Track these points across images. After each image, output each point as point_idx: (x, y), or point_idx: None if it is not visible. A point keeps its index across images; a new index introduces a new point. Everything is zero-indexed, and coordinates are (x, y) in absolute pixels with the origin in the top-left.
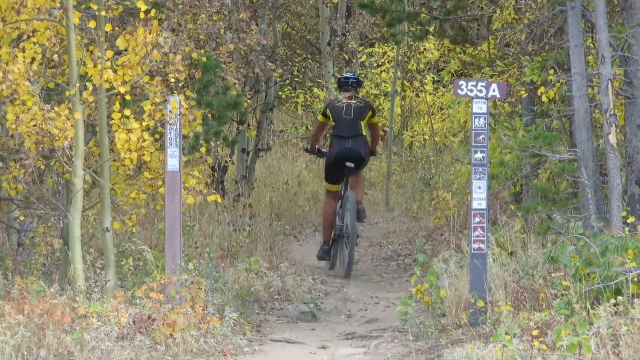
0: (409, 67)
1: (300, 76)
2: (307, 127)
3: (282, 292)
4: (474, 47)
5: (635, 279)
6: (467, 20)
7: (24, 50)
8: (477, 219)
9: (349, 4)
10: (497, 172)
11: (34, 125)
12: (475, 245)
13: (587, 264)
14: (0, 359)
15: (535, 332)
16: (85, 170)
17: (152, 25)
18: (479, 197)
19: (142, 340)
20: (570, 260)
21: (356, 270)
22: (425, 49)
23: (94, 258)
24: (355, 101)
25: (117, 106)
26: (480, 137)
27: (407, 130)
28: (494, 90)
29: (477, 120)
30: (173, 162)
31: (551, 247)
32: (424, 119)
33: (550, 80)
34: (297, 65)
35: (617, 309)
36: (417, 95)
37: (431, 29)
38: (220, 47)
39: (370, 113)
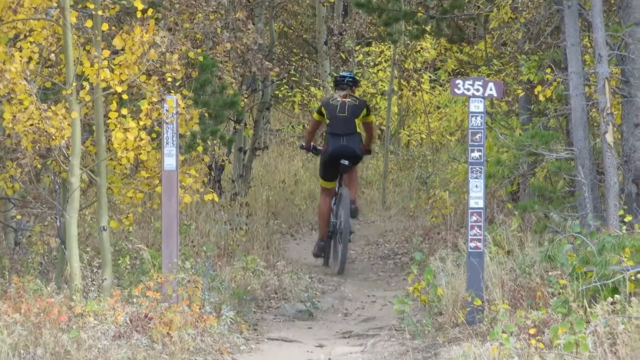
0: (406, 66)
1: (297, 75)
2: (303, 126)
3: (279, 290)
4: (470, 46)
5: (632, 278)
6: (463, 19)
7: (20, 49)
8: (474, 218)
9: (346, 3)
10: (494, 170)
11: (31, 125)
12: (472, 244)
13: (584, 263)
14: None
15: (532, 331)
16: (82, 169)
17: (148, 24)
18: (476, 196)
19: (139, 339)
20: (567, 258)
21: (353, 268)
22: (422, 48)
23: (91, 257)
24: (350, 99)
25: (114, 105)
26: (477, 136)
27: (404, 129)
28: (490, 89)
29: (474, 119)
30: (170, 161)
31: (548, 245)
32: (420, 117)
33: (547, 79)
34: (294, 64)
35: (614, 307)
36: (414, 94)
37: (428, 28)
38: (217, 46)
39: (365, 111)
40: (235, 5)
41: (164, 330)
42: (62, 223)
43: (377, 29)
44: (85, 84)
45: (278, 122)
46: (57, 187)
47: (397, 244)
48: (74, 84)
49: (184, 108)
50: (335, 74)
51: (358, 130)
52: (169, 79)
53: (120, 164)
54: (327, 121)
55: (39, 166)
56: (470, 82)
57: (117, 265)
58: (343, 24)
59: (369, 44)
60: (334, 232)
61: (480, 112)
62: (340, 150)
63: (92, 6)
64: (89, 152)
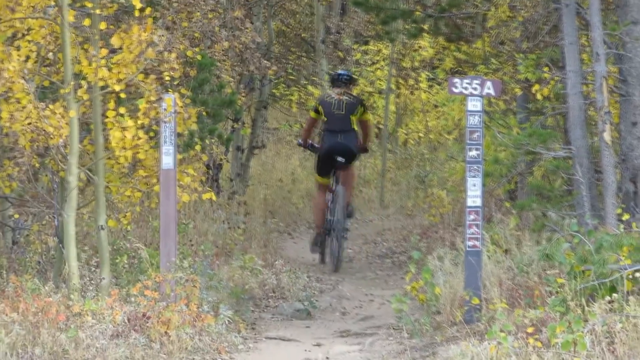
0: (404, 64)
1: (295, 74)
2: (301, 125)
3: (276, 289)
4: (468, 45)
5: (630, 277)
6: (461, 18)
7: (18, 48)
8: (471, 217)
9: (344, 2)
10: (491, 169)
11: (29, 124)
12: (469, 243)
13: (582, 262)
14: None
15: (530, 330)
16: (80, 168)
17: (146, 23)
18: (473, 195)
19: (137, 338)
20: (565, 257)
21: (351, 267)
22: (419, 47)
23: (89, 256)
24: (346, 97)
25: (111, 104)
26: (475, 135)
27: (401, 128)
28: (488, 88)
29: (471, 117)
30: (168, 160)
31: (546, 244)
32: (418, 116)
33: (545, 77)
34: (292, 63)
35: (612, 306)
36: (411, 92)
37: (426, 27)
38: (215, 45)
39: (361, 109)
40: (233, 4)
41: (162, 329)
42: (60, 222)
43: (374, 28)
44: (83, 82)
45: (276, 121)
46: (55, 186)
47: (395, 242)
48: (72, 82)
49: (181, 107)
50: (331, 72)
51: (354, 127)
52: (167, 78)
53: (118, 163)
54: (324, 118)
55: (36, 165)
56: (468, 80)
57: (115, 264)
58: (341, 23)
59: (366, 43)
60: (330, 230)
61: (478, 111)
62: (336, 147)
63: (90, 5)
64: (87, 151)
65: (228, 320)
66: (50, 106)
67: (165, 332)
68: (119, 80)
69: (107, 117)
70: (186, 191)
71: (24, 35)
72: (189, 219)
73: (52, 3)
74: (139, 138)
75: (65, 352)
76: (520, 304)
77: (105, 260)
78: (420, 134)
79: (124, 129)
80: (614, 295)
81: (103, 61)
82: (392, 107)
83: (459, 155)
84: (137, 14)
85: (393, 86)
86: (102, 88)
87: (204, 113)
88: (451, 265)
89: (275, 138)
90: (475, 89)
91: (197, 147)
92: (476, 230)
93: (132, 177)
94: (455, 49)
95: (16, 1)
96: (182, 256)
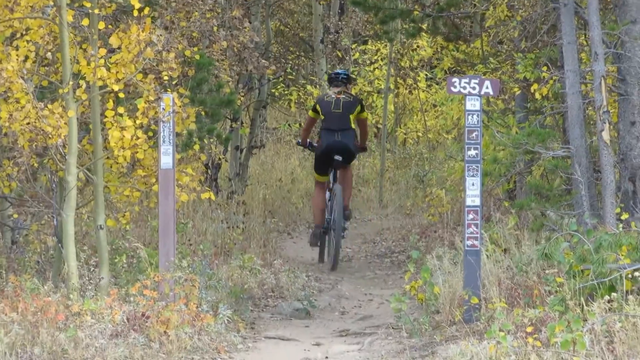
0: (402, 64)
1: (294, 73)
2: (300, 125)
3: (275, 289)
4: (467, 45)
5: (629, 276)
6: (460, 17)
7: (17, 48)
8: (470, 216)
9: (342, 2)
10: (490, 169)
11: (28, 123)
12: (468, 242)
13: (581, 261)
14: None
15: (529, 329)
16: (78, 168)
17: (145, 23)
18: (472, 194)
19: (136, 338)
20: (564, 257)
21: (350, 267)
22: (418, 46)
23: (88, 256)
24: (344, 96)
25: (110, 104)
26: (474, 134)
27: (400, 128)
28: (487, 88)
29: (470, 117)
30: (166, 159)
31: (545, 243)
32: (417, 116)
33: (544, 77)
34: (290, 62)
35: (611, 305)
36: (410, 92)
37: (424, 27)
38: (214, 45)
39: (359, 108)
40: (231, 4)
41: (161, 329)
42: (59, 222)
43: (373, 27)
44: (81, 82)
45: (275, 121)
46: (54, 185)
47: (394, 242)
48: (71, 82)
49: (180, 106)
50: (330, 72)
51: (352, 126)
52: (166, 78)
53: (117, 163)
54: (322, 117)
55: (35, 165)
56: (467, 80)
57: (114, 264)
58: (339, 22)
59: (365, 42)
60: (328, 228)
61: (476, 110)
62: (334, 146)
63: (88, 5)
64: (86, 151)
65: (227, 320)
66: (49, 106)
67: (165, 332)
68: (118, 80)
69: (105, 116)
70: (185, 191)
71: (22, 35)
72: (187, 219)
73: (51, 3)
74: (138, 138)
75: (65, 352)
76: (519, 303)
77: (104, 260)
78: (419, 134)
79: (122, 128)
80: (613, 294)
81: (102, 61)
82: (390, 107)
83: (458, 155)
84: (135, 13)
85: (392, 86)
86: (101, 88)
87: (202, 113)
88: (450, 264)
89: (274, 138)
90: (473, 88)
91: (196, 147)
92: (475, 229)
93: (131, 176)
94: (454, 49)
95: (15, 1)
96: (181, 256)
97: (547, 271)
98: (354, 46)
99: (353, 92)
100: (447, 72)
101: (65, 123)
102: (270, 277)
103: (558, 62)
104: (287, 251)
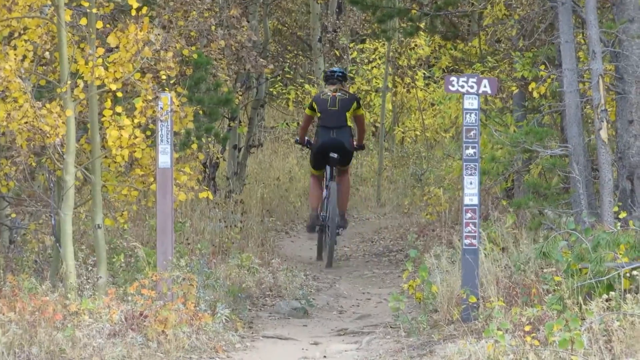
0: (400, 63)
1: (291, 72)
2: (298, 123)
3: (273, 288)
4: (464, 43)
5: (627, 274)
6: (457, 16)
7: (15, 47)
8: (468, 215)
9: (340, 0)
10: (488, 167)
11: (26, 123)
12: (466, 241)
13: (579, 260)
14: None
15: (527, 328)
16: (76, 167)
17: (143, 22)
18: (470, 193)
19: (134, 337)
20: (562, 255)
21: (348, 266)
22: (416, 45)
23: (86, 255)
24: (340, 93)
25: (108, 103)
26: (472, 133)
27: (398, 126)
28: (485, 86)
29: (468, 116)
30: (164, 158)
31: (543, 242)
32: (415, 114)
33: (541, 76)
34: (288, 61)
35: (609, 304)
36: (408, 91)
37: (422, 25)
38: (211, 44)
39: (355, 105)
40: (229, 3)
41: (159, 328)
42: (56, 221)
43: (371, 26)
44: (79, 81)
45: (272, 120)
46: (51, 185)
47: (392, 241)
48: (69, 82)
49: (178, 106)
50: (325, 70)
51: (349, 124)
52: (164, 77)
53: (115, 162)
54: (318, 115)
55: (33, 164)
56: (465, 79)
57: (112, 263)
58: (337, 21)
59: (363, 41)
60: (324, 226)
61: (474, 109)
62: (330, 143)
63: (86, 4)
64: (84, 150)
65: (225, 319)
66: (47, 105)
67: (163, 331)
68: (116, 79)
69: (103, 116)
70: (183, 190)
71: (20, 34)
72: (185, 218)
73: (49, 2)
74: (136, 137)
75: (62, 351)
76: (517, 302)
77: (102, 259)
78: (417, 132)
79: (120, 127)
80: (611, 293)
81: (99, 60)
82: (388, 106)
83: (456, 154)
84: (133, 12)
85: (390, 84)
86: (99, 87)
87: (200, 112)
88: (448, 263)
89: (272, 137)
90: (471, 87)
91: (194, 146)
92: (473, 228)
93: (129, 175)
94: (452, 47)
95: (13, 0)
96: (179, 255)
97: (545, 270)
98: (351, 45)
99: (351, 91)
100: (445, 71)
101: (63, 122)
102: (268, 276)
103: (556, 61)
104: (285, 250)
